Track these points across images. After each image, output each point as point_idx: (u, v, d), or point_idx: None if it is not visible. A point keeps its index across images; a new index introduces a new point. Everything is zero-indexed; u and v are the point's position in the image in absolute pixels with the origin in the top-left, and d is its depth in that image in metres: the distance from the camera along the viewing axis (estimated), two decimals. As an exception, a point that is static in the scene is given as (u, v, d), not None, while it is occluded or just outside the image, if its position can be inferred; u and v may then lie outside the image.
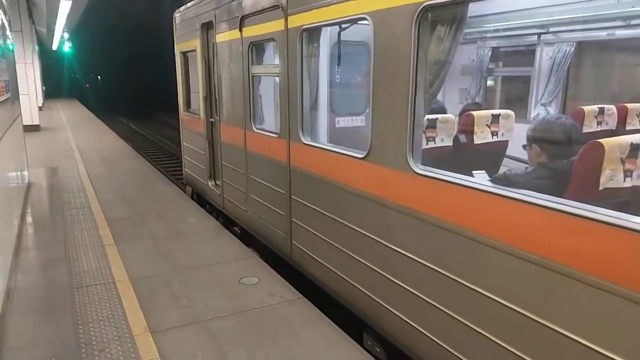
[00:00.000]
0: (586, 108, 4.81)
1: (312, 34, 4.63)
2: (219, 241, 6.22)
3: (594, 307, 2.21)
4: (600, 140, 2.52)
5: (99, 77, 65.27)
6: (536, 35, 6.38)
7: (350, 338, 3.92)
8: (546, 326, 2.43)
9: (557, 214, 2.35)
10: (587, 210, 2.22)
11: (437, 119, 3.99)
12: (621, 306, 2.09)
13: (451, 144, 4.11)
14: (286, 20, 4.73)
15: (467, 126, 4.15)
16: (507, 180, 2.81)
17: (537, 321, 2.47)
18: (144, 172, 10.92)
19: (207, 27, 7.21)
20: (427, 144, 3.95)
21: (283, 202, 5.19)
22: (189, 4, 8.01)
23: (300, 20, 4.50)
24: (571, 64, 6.18)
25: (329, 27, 4.78)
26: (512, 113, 4.39)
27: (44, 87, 34.41)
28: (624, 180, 2.59)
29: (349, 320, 4.26)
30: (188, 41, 8.20)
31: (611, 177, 2.55)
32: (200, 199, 8.64)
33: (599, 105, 4.86)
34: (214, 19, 6.77)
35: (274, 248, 5.66)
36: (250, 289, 4.79)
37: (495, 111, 4.35)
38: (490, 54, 7.15)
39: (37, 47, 28.66)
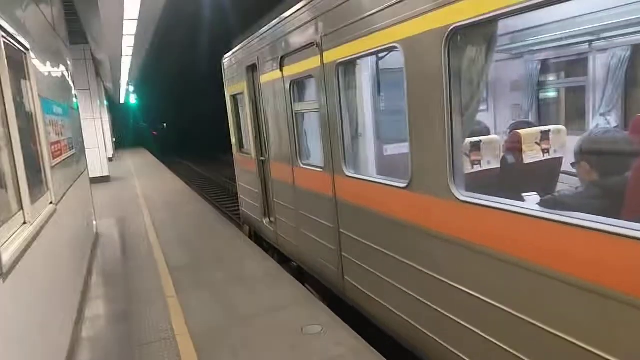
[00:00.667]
0: (648, 115, 4.46)
1: (348, 66, 4.65)
2: (278, 285, 6.04)
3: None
4: None
5: (164, 124, 68.75)
6: (587, 43, 6.07)
7: None
8: None
9: (613, 237, 2.16)
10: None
11: (480, 141, 3.83)
12: None
13: (498, 166, 3.93)
14: (322, 56, 4.79)
15: (514, 145, 3.96)
16: (557, 203, 2.63)
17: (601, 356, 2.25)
18: (204, 214, 11.17)
19: (252, 70, 7.44)
20: (472, 167, 3.79)
21: (332, 236, 5.14)
22: (234, 49, 8.32)
23: (335, 55, 4.54)
24: (628, 69, 5.81)
25: (370, 57, 4.80)
26: (564, 128, 4.15)
27: (114, 139, 36.63)
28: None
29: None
30: (236, 84, 8.49)
31: None
32: (257, 237, 8.76)
33: None
34: (257, 61, 6.98)
35: (327, 284, 5.59)
36: (313, 339, 4.51)
37: (545, 127, 4.13)
38: (539, 67, 6.87)
39: (105, 102, 30.71)
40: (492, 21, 2.82)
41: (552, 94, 7.20)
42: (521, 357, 2.73)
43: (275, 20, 6.04)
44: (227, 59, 9.03)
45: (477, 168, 3.81)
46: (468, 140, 3.72)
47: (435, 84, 3.14)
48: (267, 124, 7.00)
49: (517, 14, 2.61)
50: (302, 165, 5.83)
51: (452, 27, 2.93)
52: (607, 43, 5.90)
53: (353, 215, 4.68)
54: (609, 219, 2.23)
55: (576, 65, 6.64)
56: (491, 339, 2.96)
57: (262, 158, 7.61)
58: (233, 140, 9.53)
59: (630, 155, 2.65)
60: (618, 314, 2.17)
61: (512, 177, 3.87)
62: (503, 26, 6.96)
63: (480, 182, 3.67)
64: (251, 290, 5.89)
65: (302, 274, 6.58)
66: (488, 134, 4.27)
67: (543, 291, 2.56)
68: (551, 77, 7.03)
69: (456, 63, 3.03)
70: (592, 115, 6.26)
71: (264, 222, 7.83)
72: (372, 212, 4.27)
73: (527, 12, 2.58)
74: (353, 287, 4.87)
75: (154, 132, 65.13)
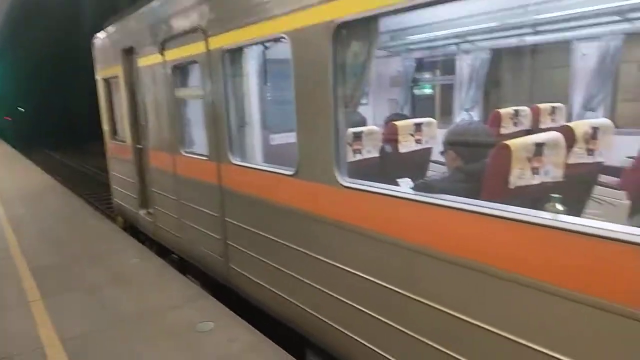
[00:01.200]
0: (502, 111, 5.07)
1: (236, 54, 4.61)
2: (166, 282, 5.58)
3: (524, 305, 2.31)
4: (507, 142, 2.65)
5: (21, 108, 61.63)
6: (455, 45, 6.67)
7: None
8: (476, 325, 2.50)
9: (475, 215, 2.45)
10: (491, 209, 2.38)
11: (362, 131, 4.06)
12: (546, 302, 2.19)
13: (378, 155, 4.19)
14: (207, 42, 4.69)
15: (391, 136, 4.25)
16: (427, 187, 2.89)
17: (465, 320, 2.54)
18: (74, 208, 10.07)
19: (129, 52, 7.02)
20: (354, 156, 4.00)
21: (217, 225, 5.08)
22: (107, 29, 7.78)
23: (221, 41, 4.48)
24: (489, 70, 6.50)
25: (258, 46, 4.80)
26: (434, 121, 4.55)
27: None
28: (533, 178, 2.73)
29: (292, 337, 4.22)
30: (110, 67, 7.95)
31: (520, 175, 2.68)
32: (133, 229, 8.32)
33: (514, 108, 5.14)
34: (134, 44, 6.61)
35: (211, 273, 5.53)
36: (206, 337, 4.25)
37: (418, 120, 4.49)
38: (414, 65, 7.40)
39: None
40: (374, 19, 3.00)
41: (425, 90, 7.81)
42: (406, 331, 2.97)
43: (157, 0, 5.77)
44: (98, 39, 8.41)
45: (358, 157, 4.02)
46: (350, 130, 3.91)
47: (321, 76, 3.26)
48: (146, 110, 6.67)
49: (396, 14, 2.81)
50: (185, 154, 5.66)
51: (337, 22, 3.06)
52: (471, 46, 6.55)
53: (239, 203, 4.68)
54: (470, 199, 2.54)
55: (446, 65, 7.27)
56: (377, 316, 3.17)
57: (139, 146, 7.24)
58: (105, 127, 8.94)
59: (487, 144, 3.00)
60: (480, 282, 2.47)
61: (390, 165, 4.17)
62: (383, 25, 7.40)
63: (362, 170, 3.89)
64: (135, 290, 5.39)
65: (184, 266, 6.41)
66: (365, 124, 4.53)
67: (419, 267, 2.82)
68: (425, 75, 7.62)
69: (341, 57, 3.17)
70: (458, 110, 6.90)
71: (141, 213, 7.47)
72: (259, 199, 4.30)
73: (404, 12, 2.79)
74: (239, 274, 4.88)
75: (8, 117, 58.19)
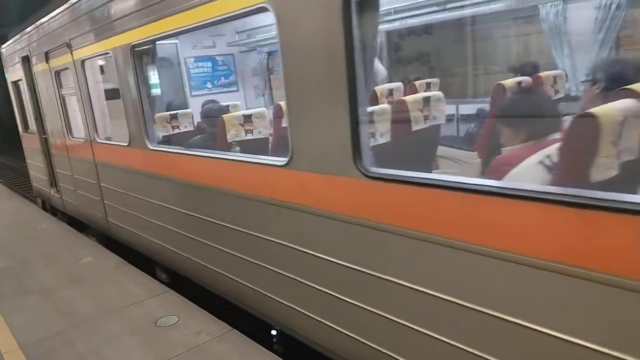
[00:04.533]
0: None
1: (93, 62, 6.32)
2: (124, 279, 5.50)
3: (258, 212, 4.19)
4: (223, 115, 4.53)
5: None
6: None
7: None
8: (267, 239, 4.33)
9: (208, 159, 4.27)
10: (215, 153, 4.23)
11: (177, 113, 5.88)
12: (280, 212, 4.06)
13: (193, 129, 6.04)
14: (72, 54, 6.37)
15: (205, 115, 6.09)
16: (190, 144, 4.76)
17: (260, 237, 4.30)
18: (20, 210, 9.86)
19: (27, 60, 8.56)
20: (173, 130, 5.83)
21: (96, 190, 6.81)
22: (9, 41, 9.26)
23: (79, 54, 6.18)
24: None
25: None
26: (239, 103, 6.41)
27: None
28: (246, 136, 4.62)
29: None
30: (15, 72, 9.45)
31: (236, 134, 4.56)
32: (52, 208, 9.88)
33: None
34: (29, 53, 8.17)
35: (98, 228, 7.27)
36: (170, 331, 4.21)
37: (227, 103, 6.34)
38: (267, 57, 9.21)
39: None
40: (150, 42, 4.78)
41: (275, 78, 9.64)
42: (208, 242, 4.64)
43: (39, 21, 7.37)
44: (4, 48, 9.87)
45: (177, 130, 5.85)
46: (167, 112, 5.72)
47: (130, 79, 5.02)
48: (44, 107, 8.27)
49: (159, 40, 4.59)
50: (72, 138, 7.33)
51: (131, 44, 4.83)
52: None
53: (106, 170, 6.41)
54: (210, 150, 4.36)
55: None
56: (190, 235, 4.90)
57: (44, 136, 8.82)
58: (19, 122, 10.48)
59: (216, 115, 4.80)
60: (213, 196, 4.30)
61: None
62: (241, 23, 9.16)
63: (179, 140, 5.71)
64: (91, 289, 5.32)
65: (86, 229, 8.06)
66: (186, 107, 6.34)
67: (193, 197, 4.59)
68: (272, 65, 9.44)
69: (139, 66, 4.95)
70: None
71: (52, 191, 9.07)
72: (115, 166, 6.06)
73: (165, 39, 4.58)
74: (115, 225, 6.63)
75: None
